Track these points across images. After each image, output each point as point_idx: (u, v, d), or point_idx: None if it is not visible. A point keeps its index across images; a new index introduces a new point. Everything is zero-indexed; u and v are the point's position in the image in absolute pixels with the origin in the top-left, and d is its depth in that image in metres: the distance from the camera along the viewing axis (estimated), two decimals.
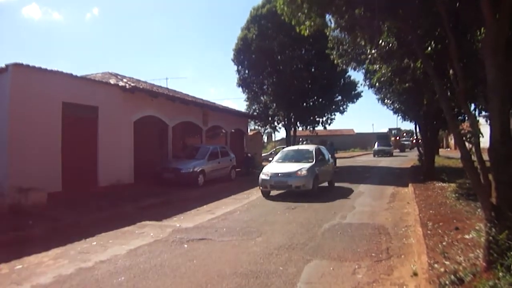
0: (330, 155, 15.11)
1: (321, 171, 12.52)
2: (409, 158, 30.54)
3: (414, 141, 47.05)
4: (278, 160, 13.44)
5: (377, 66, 10.79)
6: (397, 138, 55.60)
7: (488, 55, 4.23)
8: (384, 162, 28.72)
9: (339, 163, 29.28)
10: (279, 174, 11.76)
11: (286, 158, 13.22)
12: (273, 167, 12.41)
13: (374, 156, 37.56)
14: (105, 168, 12.41)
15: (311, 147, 13.91)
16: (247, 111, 27.19)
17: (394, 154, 39.35)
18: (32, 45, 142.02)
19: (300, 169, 11.65)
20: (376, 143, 39.98)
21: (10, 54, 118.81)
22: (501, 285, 3.54)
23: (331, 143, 23.65)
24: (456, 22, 5.45)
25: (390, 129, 60.81)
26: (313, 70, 25.28)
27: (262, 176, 11.95)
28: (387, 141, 41.34)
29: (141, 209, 9.88)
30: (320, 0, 5.62)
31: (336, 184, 14.44)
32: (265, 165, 14.35)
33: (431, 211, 8.09)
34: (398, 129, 59.87)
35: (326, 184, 13.79)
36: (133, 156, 13.77)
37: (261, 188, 12.05)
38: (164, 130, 16.56)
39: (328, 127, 29.57)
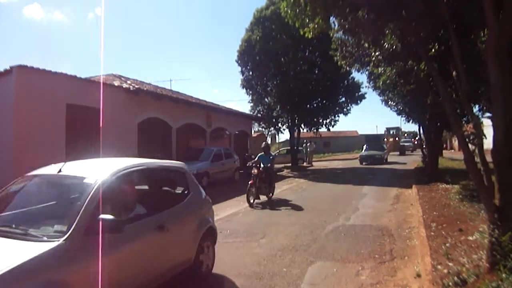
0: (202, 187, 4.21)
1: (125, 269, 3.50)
2: (408, 167, 24.44)
3: (416, 142, 45.53)
4: None
5: (382, 69, 10.79)
6: (396, 138, 50.06)
7: (491, 56, 4.22)
8: (388, 163, 28.58)
9: (344, 164, 29.42)
10: None
11: None
12: None
13: (361, 163, 28.49)
14: None
15: (93, 177, 3.55)
16: (251, 113, 27.22)
17: (390, 159, 31.27)
18: (34, 45, 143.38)
19: None
20: (364, 146, 31.06)
21: (12, 54, 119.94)
22: (504, 286, 3.54)
23: (267, 146, 12.54)
24: (459, 23, 5.45)
25: (388, 129, 52.89)
26: (316, 71, 25.32)
27: None
28: (379, 144, 32.94)
29: None
30: (324, 2, 5.63)
31: (337, 186, 14.17)
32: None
33: (434, 213, 8.06)
34: (397, 128, 52.73)
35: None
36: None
37: None
38: (168, 132, 16.61)
39: (331, 129, 29.61)
